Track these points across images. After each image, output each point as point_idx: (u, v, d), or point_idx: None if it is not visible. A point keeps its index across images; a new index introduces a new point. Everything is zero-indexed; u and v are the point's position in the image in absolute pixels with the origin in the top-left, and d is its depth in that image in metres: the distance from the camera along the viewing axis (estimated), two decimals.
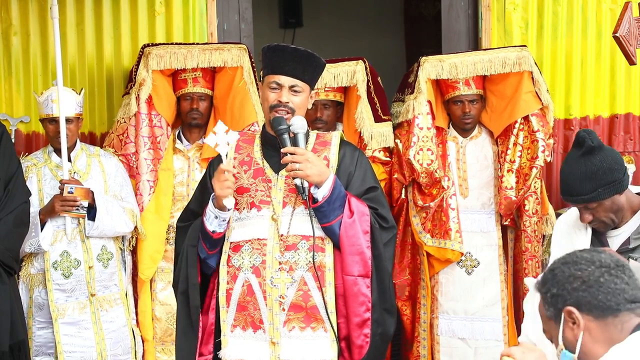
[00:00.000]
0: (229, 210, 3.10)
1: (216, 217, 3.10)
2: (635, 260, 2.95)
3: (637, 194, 3.08)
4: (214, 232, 3.12)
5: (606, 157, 2.96)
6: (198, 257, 3.18)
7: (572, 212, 3.17)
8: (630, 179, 4.89)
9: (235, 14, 5.23)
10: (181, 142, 4.90)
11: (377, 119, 4.84)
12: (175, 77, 4.88)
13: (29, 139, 5.05)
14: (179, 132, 4.92)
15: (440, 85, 4.86)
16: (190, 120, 4.84)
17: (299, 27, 7.77)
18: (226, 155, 3.13)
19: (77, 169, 4.55)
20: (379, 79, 4.96)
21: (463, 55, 4.80)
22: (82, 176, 4.54)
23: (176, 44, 4.90)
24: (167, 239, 4.79)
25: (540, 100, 4.73)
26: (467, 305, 4.79)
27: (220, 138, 3.11)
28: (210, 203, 3.12)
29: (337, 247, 3.09)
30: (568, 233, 3.17)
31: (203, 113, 4.85)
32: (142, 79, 4.70)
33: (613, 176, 2.95)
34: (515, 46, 4.85)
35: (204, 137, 4.82)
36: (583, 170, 2.94)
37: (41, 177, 4.52)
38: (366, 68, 4.85)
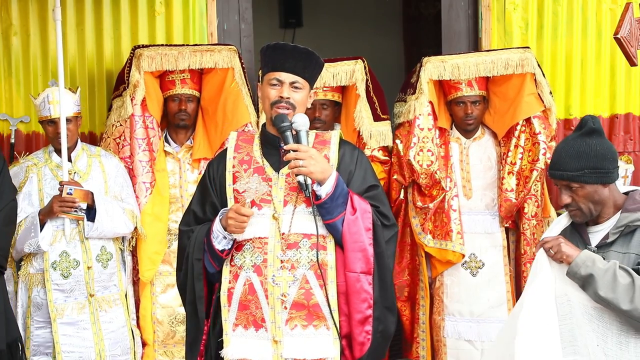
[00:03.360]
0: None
1: (225, 237, 3.11)
2: (593, 251, 2.97)
3: (624, 193, 3.08)
4: (222, 250, 3.13)
5: (603, 144, 2.97)
6: (204, 270, 3.18)
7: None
8: (630, 179, 4.89)
9: (235, 14, 5.23)
10: (169, 144, 4.90)
11: (376, 118, 4.84)
12: (163, 77, 4.88)
13: (29, 139, 5.05)
14: (166, 134, 4.93)
15: (443, 86, 4.86)
16: (178, 122, 4.85)
17: (299, 27, 7.77)
18: (250, 203, 3.14)
19: (78, 169, 4.55)
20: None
21: (465, 56, 4.80)
22: (83, 176, 4.53)
23: (167, 45, 4.91)
24: (167, 241, 4.80)
25: (543, 102, 4.73)
26: (472, 307, 4.79)
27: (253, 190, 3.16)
28: (218, 222, 3.12)
29: (339, 244, 3.10)
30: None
31: (191, 114, 4.86)
32: (136, 80, 4.70)
33: (603, 164, 2.94)
34: (518, 47, 4.85)
35: (192, 138, 4.84)
36: (576, 148, 2.94)
37: (41, 177, 4.52)
38: (365, 67, 4.86)
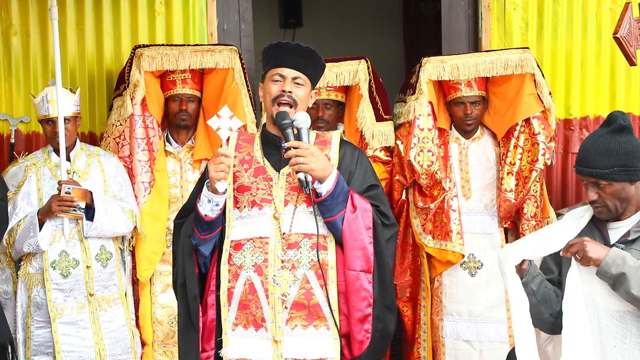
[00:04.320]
0: (222, 194, 3.10)
1: (209, 201, 3.10)
2: (622, 248, 2.94)
3: None
4: (205, 215, 3.11)
5: (632, 141, 2.92)
6: (194, 247, 3.18)
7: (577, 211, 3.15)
8: None
9: (235, 14, 5.24)
10: (170, 144, 4.90)
11: (379, 118, 4.84)
12: (164, 78, 4.88)
13: (29, 139, 5.06)
14: (167, 134, 4.93)
15: (442, 86, 4.86)
16: (179, 122, 4.85)
17: (299, 27, 7.78)
18: (227, 140, 3.13)
19: (77, 169, 4.55)
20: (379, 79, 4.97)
21: (465, 57, 4.80)
22: (82, 176, 4.53)
23: (167, 45, 4.92)
24: (166, 241, 4.80)
25: (542, 102, 4.72)
26: (471, 307, 4.78)
27: (224, 122, 3.12)
28: (205, 187, 3.12)
29: (339, 242, 3.10)
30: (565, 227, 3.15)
31: (191, 114, 4.86)
32: (136, 80, 4.70)
33: (633, 162, 2.90)
34: (517, 48, 4.84)
35: (194, 139, 4.84)
36: (607, 145, 2.89)
37: (40, 176, 4.52)
38: (368, 67, 4.86)
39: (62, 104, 4.44)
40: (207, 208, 3.11)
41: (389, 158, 4.86)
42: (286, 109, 3.13)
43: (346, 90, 4.94)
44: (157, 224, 4.76)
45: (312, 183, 3.06)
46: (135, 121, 4.73)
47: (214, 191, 3.08)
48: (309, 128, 3.16)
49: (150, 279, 4.78)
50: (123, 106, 4.73)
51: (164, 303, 4.79)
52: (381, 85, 4.93)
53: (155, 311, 4.79)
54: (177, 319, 3.31)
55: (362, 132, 4.83)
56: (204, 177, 3.27)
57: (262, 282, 3.09)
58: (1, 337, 4.07)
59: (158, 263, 4.76)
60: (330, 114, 4.89)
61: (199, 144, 4.85)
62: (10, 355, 4.16)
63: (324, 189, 3.06)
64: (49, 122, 4.51)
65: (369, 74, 4.86)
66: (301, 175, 3.05)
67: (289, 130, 3.09)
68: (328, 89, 4.83)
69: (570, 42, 5.10)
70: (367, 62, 4.87)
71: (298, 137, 3.09)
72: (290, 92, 3.14)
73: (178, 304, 3.26)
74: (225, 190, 3.10)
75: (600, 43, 5.10)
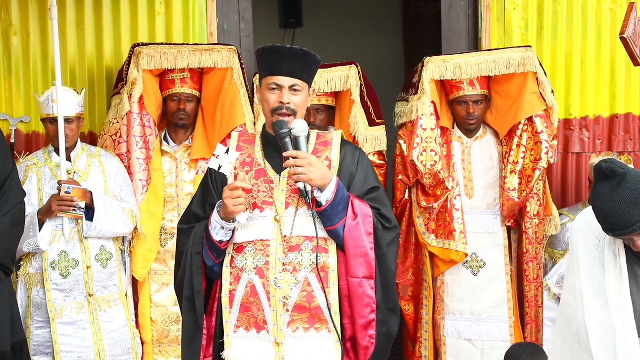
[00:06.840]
0: (235, 220, 3.10)
1: (222, 228, 3.09)
2: None
3: None
4: (221, 242, 3.11)
5: (638, 176, 2.90)
6: (203, 265, 3.17)
7: (589, 219, 3.08)
8: None
9: (235, 14, 5.23)
10: (168, 143, 4.90)
11: (371, 123, 4.86)
12: (163, 77, 4.88)
13: (29, 139, 5.06)
14: (165, 133, 4.93)
15: (444, 86, 4.86)
16: (177, 121, 4.85)
17: (299, 27, 7.77)
18: (231, 173, 3.10)
19: (77, 169, 4.55)
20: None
21: (467, 56, 4.80)
22: (82, 176, 4.53)
23: (166, 44, 4.92)
24: (160, 240, 4.80)
25: (545, 101, 4.73)
26: (473, 306, 4.79)
27: (222, 159, 3.10)
28: (216, 213, 3.10)
29: (341, 249, 3.09)
30: (592, 250, 3.07)
31: (190, 114, 4.85)
32: (134, 78, 4.71)
33: None
34: (520, 47, 4.84)
35: (191, 138, 4.84)
36: (627, 198, 2.79)
37: (41, 176, 4.52)
38: (359, 72, 4.86)
39: (64, 104, 4.44)
40: (220, 234, 3.10)
41: (382, 162, 4.89)
42: (285, 118, 3.11)
43: (336, 94, 4.94)
44: (153, 222, 4.76)
45: (312, 192, 3.05)
46: (133, 119, 4.73)
47: (227, 219, 3.07)
48: (308, 133, 3.15)
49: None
50: (121, 104, 4.73)
51: (158, 302, 4.79)
52: (372, 90, 4.94)
53: (150, 310, 4.79)
54: (182, 327, 3.27)
55: (355, 136, 4.83)
56: (206, 181, 3.26)
57: (264, 285, 3.08)
58: (15, 338, 4.05)
59: (153, 261, 4.76)
60: (322, 119, 4.89)
61: (197, 143, 4.85)
62: (24, 356, 4.14)
63: (324, 198, 3.04)
64: (52, 121, 4.51)
65: (360, 79, 4.86)
66: (301, 185, 3.04)
67: (287, 140, 3.07)
68: (318, 94, 4.82)
69: (570, 42, 5.10)
70: (357, 67, 4.87)
71: (296, 145, 3.07)
72: (288, 103, 3.11)
73: (184, 314, 3.24)
74: (245, 219, 3.09)
75: (600, 43, 5.10)
